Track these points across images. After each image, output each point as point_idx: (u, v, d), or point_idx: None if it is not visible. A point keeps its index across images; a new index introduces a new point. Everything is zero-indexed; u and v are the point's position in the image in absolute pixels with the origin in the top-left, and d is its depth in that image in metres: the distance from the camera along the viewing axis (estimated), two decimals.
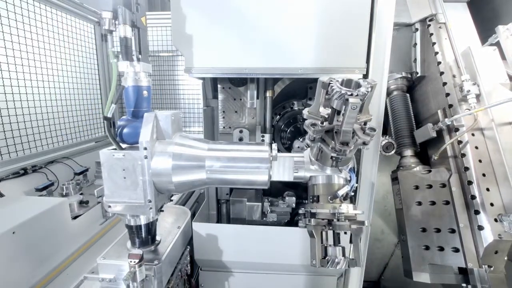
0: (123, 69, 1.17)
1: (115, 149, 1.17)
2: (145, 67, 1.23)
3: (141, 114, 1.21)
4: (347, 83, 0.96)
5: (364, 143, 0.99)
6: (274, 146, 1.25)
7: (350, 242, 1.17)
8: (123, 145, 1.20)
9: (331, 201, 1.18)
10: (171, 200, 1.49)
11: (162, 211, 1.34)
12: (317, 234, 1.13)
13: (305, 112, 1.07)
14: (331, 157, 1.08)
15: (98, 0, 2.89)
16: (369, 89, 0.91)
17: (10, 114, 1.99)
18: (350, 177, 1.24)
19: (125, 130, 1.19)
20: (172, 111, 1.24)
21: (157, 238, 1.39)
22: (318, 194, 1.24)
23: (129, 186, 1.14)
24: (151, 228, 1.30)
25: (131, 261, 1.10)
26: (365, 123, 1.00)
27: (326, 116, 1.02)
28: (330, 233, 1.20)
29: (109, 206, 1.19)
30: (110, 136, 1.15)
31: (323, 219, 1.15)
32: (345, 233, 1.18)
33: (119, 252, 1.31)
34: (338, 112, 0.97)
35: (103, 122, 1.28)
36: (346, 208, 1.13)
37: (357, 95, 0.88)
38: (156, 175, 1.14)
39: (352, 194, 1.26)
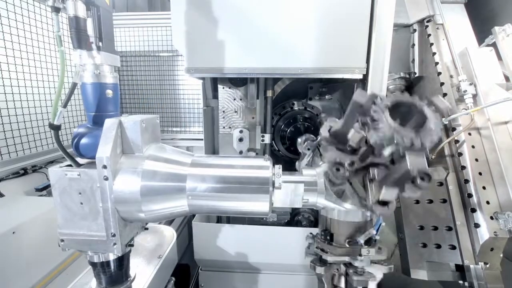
0: (76, 60, 0.93)
1: (71, 165, 0.93)
2: (109, 58, 0.96)
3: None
4: (399, 108, 0.55)
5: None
6: (278, 169, 0.92)
7: None
8: (81, 161, 0.96)
9: (348, 245, 0.91)
10: (146, 229, 1.13)
11: (145, 230, 1.09)
12: (327, 282, 0.92)
13: (324, 132, 0.69)
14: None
15: None
16: (440, 132, 0.54)
17: (10, 114, 1.99)
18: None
19: (82, 141, 0.94)
20: (145, 115, 0.99)
21: (131, 273, 1.12)
22: (332, 231, 0.97)
23: (88, 214, 0.89)
24: (122, 263, 1.04)
25: None
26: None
27: (356, 147, 0.66)
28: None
29: (62, 240, 0.92)
30: (61, 148, 0.92)
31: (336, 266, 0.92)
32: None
33: None
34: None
35: (50, 131, 1.00)
36: (367, 256, 0.86)
37: (421, 145, 0.49)
38: (120, 202, 0.87)
39: (378, 238, 0.93)
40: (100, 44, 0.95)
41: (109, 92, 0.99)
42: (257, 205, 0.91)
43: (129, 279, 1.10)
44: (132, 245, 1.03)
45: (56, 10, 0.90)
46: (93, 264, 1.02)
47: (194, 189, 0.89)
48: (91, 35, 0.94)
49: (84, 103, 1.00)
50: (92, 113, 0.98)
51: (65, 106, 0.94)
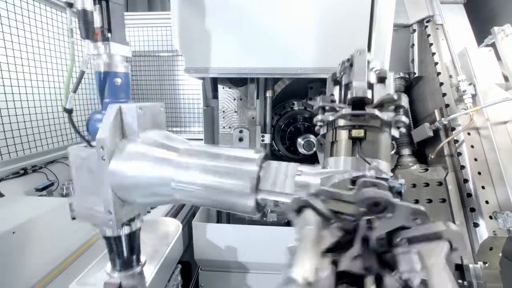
0: (86, 50, 1.04)
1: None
2: (119, 48, 1.02)
3: None
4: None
5: None
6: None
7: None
8: (94, 143, 1.07)
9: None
10: (149, 212, 1.25)
11: (143, 220, 1.15)
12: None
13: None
14: None
15: None
16: None
17: (10, 114, 1.99)
18: None
19: (94, 125, 1.06)
20: (146, 103, 1.05)
21: (142, 258, 1.19)
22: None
23: (94, 191, 0.97)
24: (132, 244, 1.09)
25: None
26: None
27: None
28: None
29: (73, 210, 1.02)
30: (75, 130, 1.02)
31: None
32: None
33: (96, 279, 1.16)
34: None
35: (63, 114, 1.16)
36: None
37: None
38: (114, 183, 0.93)
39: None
40: (109, 35, 1.02)
41: (118, 80, 1.09)
42: (240, 199, 0.81)
43: (140, 263, 1.16)
44: (139, 228, 1.10)
45: (69, 5, 0.98)
46: (107, 239, 1.08)
47: (179, 177, 0.87)
48: (100, 25, 1.00)
49: (97, 90, 1.11)
50: (106, 99, 1.08)
51: (74, 91, 1.03)
